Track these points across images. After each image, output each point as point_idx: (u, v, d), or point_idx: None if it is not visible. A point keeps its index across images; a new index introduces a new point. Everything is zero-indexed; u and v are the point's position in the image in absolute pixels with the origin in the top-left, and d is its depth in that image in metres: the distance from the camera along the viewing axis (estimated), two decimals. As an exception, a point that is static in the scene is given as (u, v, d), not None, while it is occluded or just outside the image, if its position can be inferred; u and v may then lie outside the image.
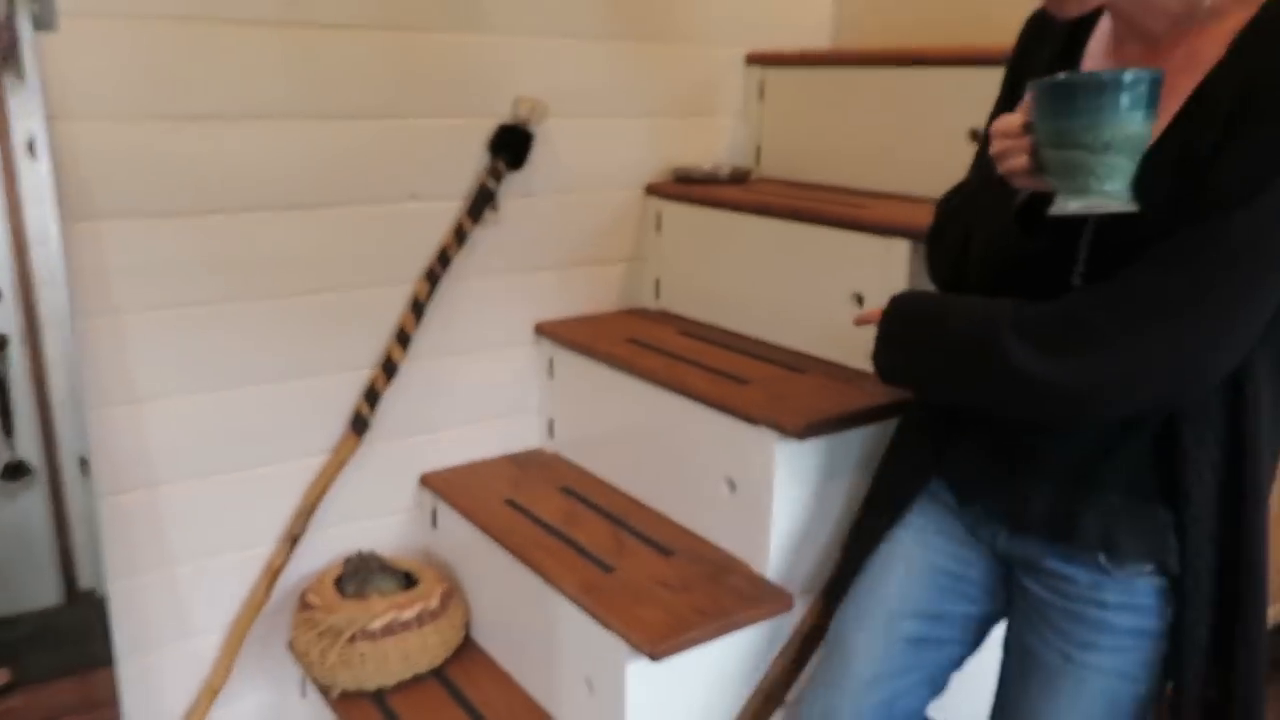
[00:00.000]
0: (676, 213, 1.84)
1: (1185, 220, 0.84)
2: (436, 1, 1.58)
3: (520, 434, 1.84)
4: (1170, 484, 0.94)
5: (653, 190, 1.87)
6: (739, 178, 1.88)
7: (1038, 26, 1.06)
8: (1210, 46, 0.87)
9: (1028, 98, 0.87)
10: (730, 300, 1.75)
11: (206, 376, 1.51)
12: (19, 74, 1.31)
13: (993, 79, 1.53)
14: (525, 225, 1.75)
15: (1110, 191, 0.82)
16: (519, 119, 1.69)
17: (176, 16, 1.38)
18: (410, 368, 1.68)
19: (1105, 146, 0.81)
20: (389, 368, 1.64)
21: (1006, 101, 1.09)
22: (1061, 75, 0.83)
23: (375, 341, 1.65)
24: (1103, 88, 0.80)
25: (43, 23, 1.31)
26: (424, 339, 1.68)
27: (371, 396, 1.64)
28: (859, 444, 1.43)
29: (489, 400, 1.79)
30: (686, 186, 1.84)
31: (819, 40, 2.02)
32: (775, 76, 1.91)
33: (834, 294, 1.55)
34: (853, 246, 1.49)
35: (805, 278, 1.60)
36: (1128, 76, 0.80)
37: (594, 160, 1.80)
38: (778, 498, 1.37)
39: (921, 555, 1.15)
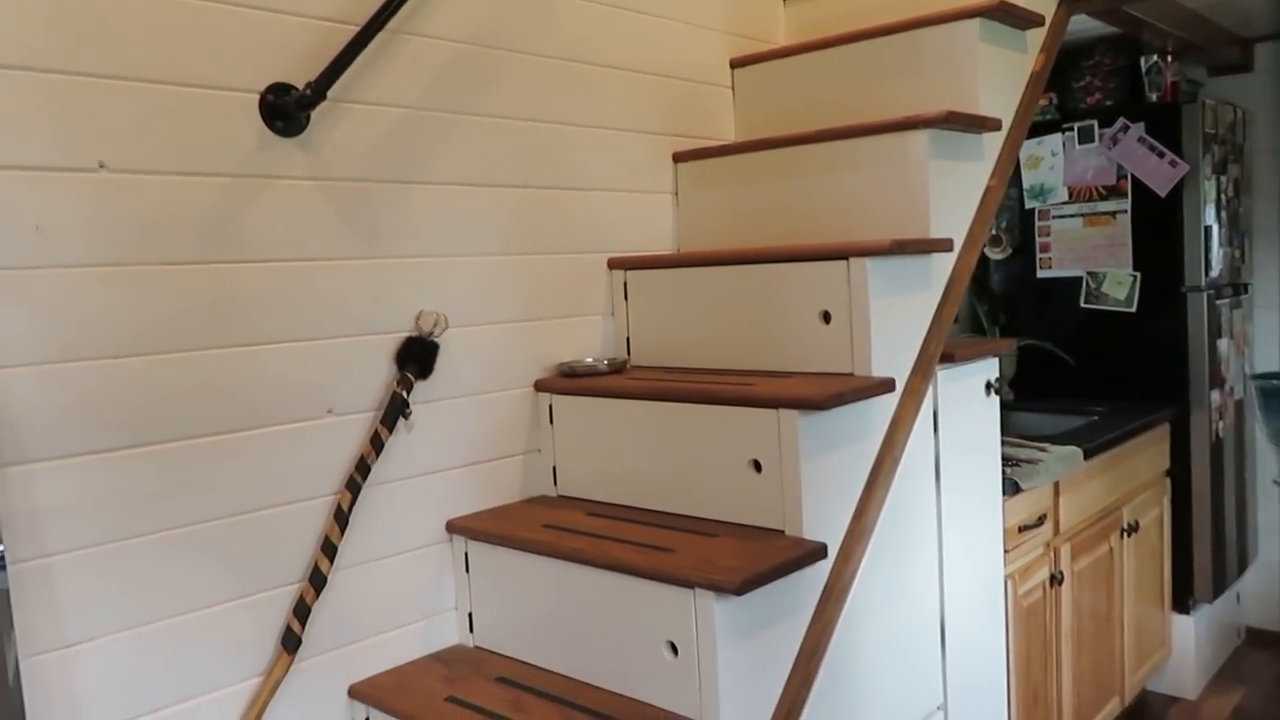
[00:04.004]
0: (566, 404, 2.01)
1: None
2: (337, 233, 1.72)
3: (440, 632, 1.88)
4: None
5: (542, 386, 2.03)
6: (618, 368, 2.08)
7: None
8: None
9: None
10: (628, 479, 1.92)
11: (138, 611, 1.49)
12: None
13: (822, 271, 1.85)
14: (433, 429, 1.86)
15: None
16: (422, 332, 1.83)
17: (100, 263, 1.45)
18: (336, 578, 1.71)
19: None
20: (317, 580, 1.67)
21: None
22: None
23: (299, 557, 1.67)
24: None
25: (-25, 276, 1.35)
26: (348, 547, 1.72)
27: (302, 611, 1.65)
28: (784, 595, 1.60)
29: (409, 601, 1.83)
30: (572, 380, 2.02)
31: (664, 247, 2.31)
32: (635, 278, 2.17)
33: (730, 463, 1.75)
34: (745, 419, 1.71)
35: (699, 452, 1.79)
36: None
37: (489, 363, 1.95)
38: (721, 654, 1.50)
39: None
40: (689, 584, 1.52)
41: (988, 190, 2.10)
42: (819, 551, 1.62)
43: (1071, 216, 3.35)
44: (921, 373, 1.89)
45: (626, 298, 2.18)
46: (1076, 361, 3.40)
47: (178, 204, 1.53)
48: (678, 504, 1.85)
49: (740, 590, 1.47)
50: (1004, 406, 3.21)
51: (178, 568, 1.53)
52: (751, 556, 1.57)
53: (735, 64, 2.45)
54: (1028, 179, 3.42)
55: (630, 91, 2.21)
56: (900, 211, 1.95)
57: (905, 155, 1.93)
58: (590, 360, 2.08)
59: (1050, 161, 3.37)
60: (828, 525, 1.70)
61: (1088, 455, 2.61)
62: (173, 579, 1.53)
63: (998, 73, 2.08)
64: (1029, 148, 3.40)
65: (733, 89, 2.45)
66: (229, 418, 1.59)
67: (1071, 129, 3.33)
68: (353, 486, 1.72)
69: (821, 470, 1.69)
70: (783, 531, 1.68)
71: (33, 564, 1.39)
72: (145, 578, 1.50)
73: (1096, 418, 3.04)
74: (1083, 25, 3.08)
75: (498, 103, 1.96)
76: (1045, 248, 3.42)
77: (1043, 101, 3.40)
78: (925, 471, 1.94)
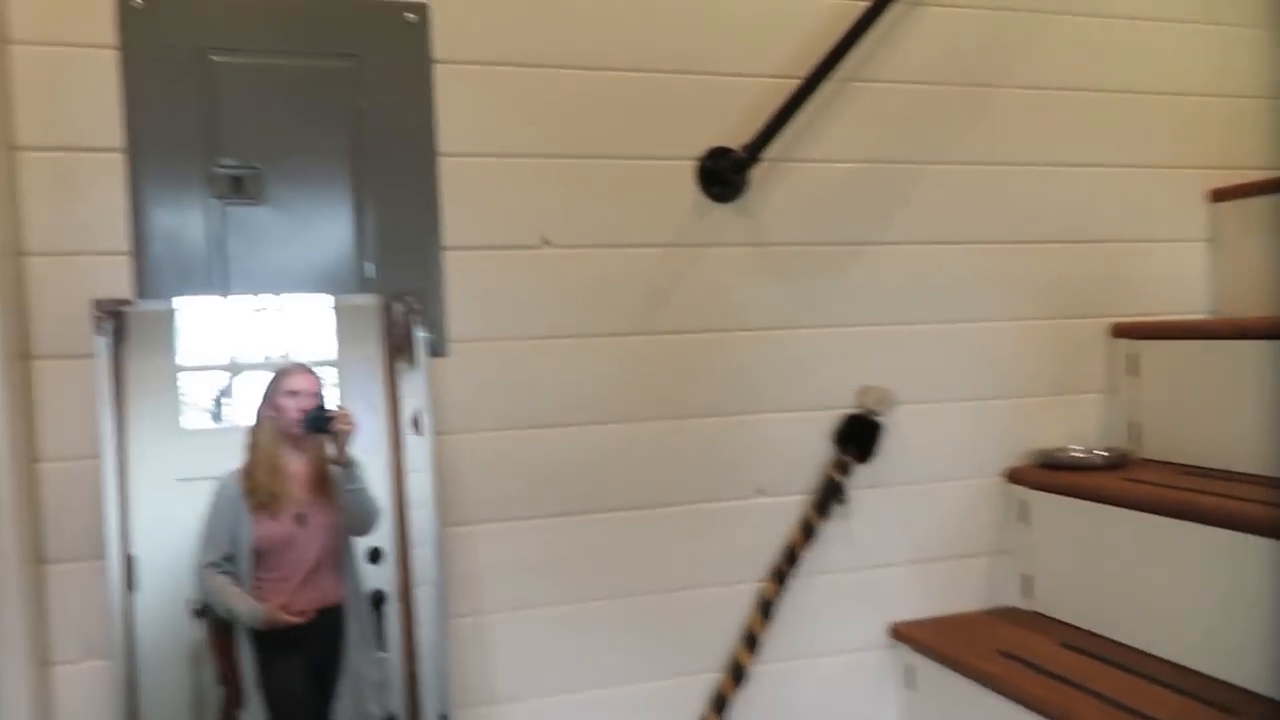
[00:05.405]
0: (1045, 503, 1.66)
1: None
2: (773, 302, 1.60)
3: (875, 751, 1.66)
4: None
5: (1015, 477, 1.71)
6: (1116, 461, 1.68)
7: None
8: None
9: None
10: (1121, 607, 1.52)
11: (557, 679, 1.51)
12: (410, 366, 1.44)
13: None
14: (875, 519, 1.65)
15: None
16: (865, 409, 1.64)
17: (542, 336, 1.49)
18: (757, 672, 1.58)
19: None
20: (737, 672, 1.56)
21: None
22: None
23: (717, 644, 1.58)
24: None
25: (437, 349, 1.46)
26: (771, 641, 1.59)
27: (719, 703, 1.55)
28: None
29: (840, 710, 1.64)
30: (1054, 474, 1.67)
31: (1192, 309, 1.83)
32: (1149, 349, 1.74)
33: (1256, 612, 1.28)
34: (1275, 555, 1.25)
35: (1217, 589, 1.35)
36: None
37: (946, 447, 1.69)
38: None
39: None
40: (1178, 780, 1.13)
41: None
42: (1401, 768, 1.11)
43: None
44: None
45: (1136, 373, 1.76)
46: None
47: (614, 276, 1.53)
48: (1184, 653, 1.41)
49: (1255, 808, 1.05)
50: None
51: (597, 640, 1.53)
52: (1281, 756, 1.12)
53: (1310, 69, 1.88)
54: None
55: (1145, 118, 1.79)
56: None
57: None
58: (1078, 450, 1.70)
59: None
60: None
61: None
62: (591, 651, 1.52)
63: None
64: None
65: (1304, 102, 1.89)
66: (655, 492, 1.55)
67: None
68: (779, 577, 1.58)
69: None
70: (1341, 724, 1.18)
71: (468, 620, 1.47)
72: (567, 646, 1.51)
73: None
74: None
75: (970, 148, 1.70)
76: None
77: None
78: None
